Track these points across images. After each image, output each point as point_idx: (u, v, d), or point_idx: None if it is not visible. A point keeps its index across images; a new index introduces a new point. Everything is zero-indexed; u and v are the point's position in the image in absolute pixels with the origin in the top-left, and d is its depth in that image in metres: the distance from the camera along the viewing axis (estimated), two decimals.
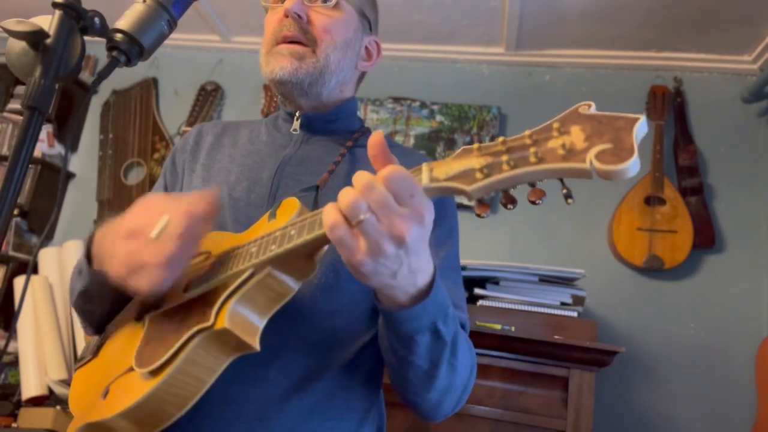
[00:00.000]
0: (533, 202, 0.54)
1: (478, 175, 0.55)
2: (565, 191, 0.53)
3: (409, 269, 0.61)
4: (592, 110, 0.52)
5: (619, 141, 0.49)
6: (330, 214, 0.57)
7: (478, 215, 0.57)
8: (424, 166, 0.59)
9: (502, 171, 0.54)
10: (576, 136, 0.51)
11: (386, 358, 0.80)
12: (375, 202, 0.56)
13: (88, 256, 0.81)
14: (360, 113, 2.66)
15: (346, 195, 0.57)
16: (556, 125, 0.53)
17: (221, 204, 0.72)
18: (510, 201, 0.56)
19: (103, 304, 0.87)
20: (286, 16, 0.93)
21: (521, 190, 0.55)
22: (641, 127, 0.50)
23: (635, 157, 0.48)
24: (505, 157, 0.54)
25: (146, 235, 0.68)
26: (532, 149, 0.52)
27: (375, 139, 0.60)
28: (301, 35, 0.93)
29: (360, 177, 0.57)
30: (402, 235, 0.56)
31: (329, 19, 0.95)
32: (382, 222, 0.56)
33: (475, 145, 0.56)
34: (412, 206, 0.57)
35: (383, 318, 0.71)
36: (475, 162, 0.55)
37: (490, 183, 0.54)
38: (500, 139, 0.55)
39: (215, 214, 0.72)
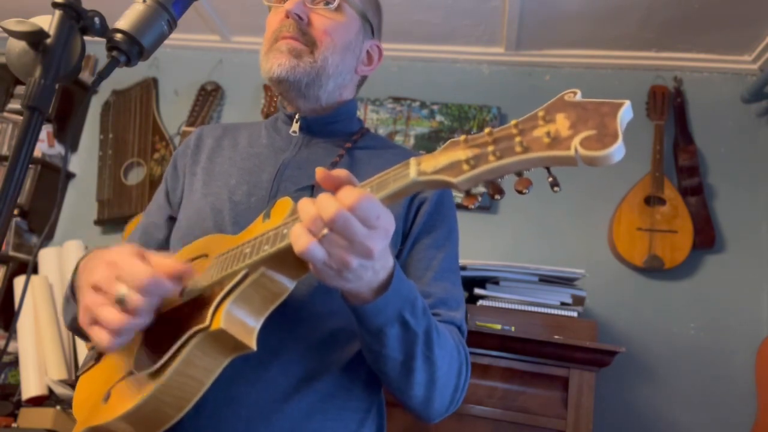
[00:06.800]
0: (520, 192, 0.54)
1: (465, 166, 0.55)
2: (551, 179, 0.53)
3: (373, 271, 0.64)
4: (578, 97, 0.52)
5: (604, 127, 0.48)
6: (296, 229, 0.59)
7: (465, 207, 0.58)
8: (412, 161, 0.59)
9: (488, 162, 0.53)
10: (561, 123, 0.51)
11: (366, 358, 0.81)
12: (344, 230, 0.57)
13: (74, 282, 0.81)
14: (360, 113, 2.66)
15: (306, 211, 0.58)
16: (541, 114, 0.52)
17: (191, 273, 0.70)
18: (497, 191, 0.56)
19: None
20: (287, 16, 0.93)
21: (511, 184, 0.55)
22: (626, 112, 0.49)
23: (619, 142, 0.47)
24: (491, 148, 0.54)
25: (107, 294, 0.66)
26: (518, 138, 0.52)
27: (319, 175, 0.62)
28: (300, 36, 0.93)
29: (325, 205, 0.57)
30: (370, 251, 0.59)
31: (330, 21, 0.95)
32: (353, 245, 0.58)
33: (462, 137, 0.56)
34: (379, 227, 0.59)
35: (352, 315, 0.72)
36: (461, 154, 0.55)
37: (476, 174, 0.54)
38: (487, 130, 0.55)
39: (177, 290, 0.70)
